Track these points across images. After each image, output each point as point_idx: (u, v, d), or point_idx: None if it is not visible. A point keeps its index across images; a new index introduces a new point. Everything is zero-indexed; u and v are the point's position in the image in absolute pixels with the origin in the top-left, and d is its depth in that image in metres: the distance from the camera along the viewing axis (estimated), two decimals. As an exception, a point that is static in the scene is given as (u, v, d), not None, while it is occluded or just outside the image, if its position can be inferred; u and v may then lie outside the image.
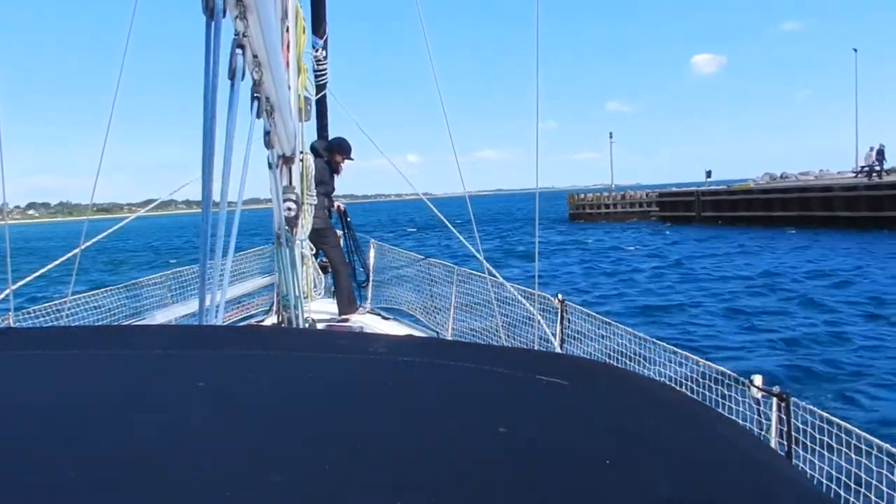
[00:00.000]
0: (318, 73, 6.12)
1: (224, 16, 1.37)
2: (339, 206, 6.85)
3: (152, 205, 6.32)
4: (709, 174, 47.31)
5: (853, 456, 2.67)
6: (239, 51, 1.53)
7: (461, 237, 5.46)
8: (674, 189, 51.68)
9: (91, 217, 5.15)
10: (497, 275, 5.32)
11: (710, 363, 3.55)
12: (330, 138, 6.76)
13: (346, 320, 6.22)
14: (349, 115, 6.62)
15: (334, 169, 6.52)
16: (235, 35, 1.54)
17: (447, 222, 5.58)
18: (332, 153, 6.46)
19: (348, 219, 6.95)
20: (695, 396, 2.99)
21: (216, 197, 1.52)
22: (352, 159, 6.62)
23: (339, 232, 6.88)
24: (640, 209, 49.72)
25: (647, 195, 51.48)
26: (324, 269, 6.63)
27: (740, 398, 3.19)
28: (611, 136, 59.04)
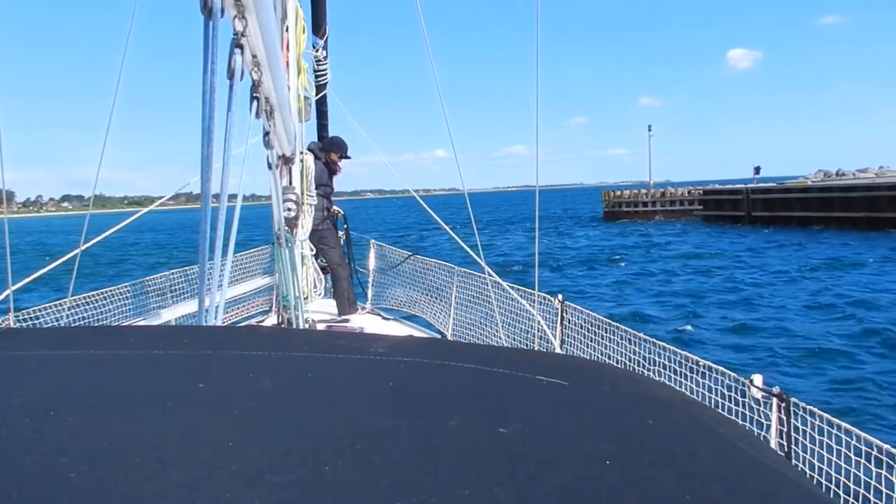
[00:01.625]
0: (319, 73, 6.11)
1: (222, 15, 1.37)
2: (337, 211, 6.81)
3: (155, 204, 6.33)
4: (757, 170, 43.00)
5: (853, 456, 2.67)
6: (238, 51, 1.53)
7: (457, 238, 5.46)
8: (717, 186, 47.46)
9: (93, 212, 5.15)
10: (496, 275, 5.32)
11: (710, 363, 3.54)
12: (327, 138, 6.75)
13: (347, 321, 6.21)
14: (348, 115, 6.62)
15: (332, 170, 6.51)
16: (234, 35, 1.54)
17: (441, 222, 5.58)
18: (328, 152, 6.45)
19: (346, 224, 6.94)
20: (694, 397, 2.99)
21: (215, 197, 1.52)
22: (348, 157, 6.60)
23: (340, 233, 6.87)
24: (680, 207, 45.98)
25: (688, 192, 47.64)
26: (324, 270, 6.63)
27: (740, 398, 3.18)
28: (649, 130, 53.32)
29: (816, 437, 2.81)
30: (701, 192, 45.76)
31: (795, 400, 2.90)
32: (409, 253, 7.52)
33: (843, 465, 2.69)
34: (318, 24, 6.04)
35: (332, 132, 6.87)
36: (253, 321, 6.56)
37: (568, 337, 4.88)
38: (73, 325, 5.05)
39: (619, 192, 52.01)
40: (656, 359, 3.95)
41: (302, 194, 4.48)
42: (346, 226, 6.91)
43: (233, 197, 1.69)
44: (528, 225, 53.31)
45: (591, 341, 4.61)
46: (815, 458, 2.79)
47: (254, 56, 1.78)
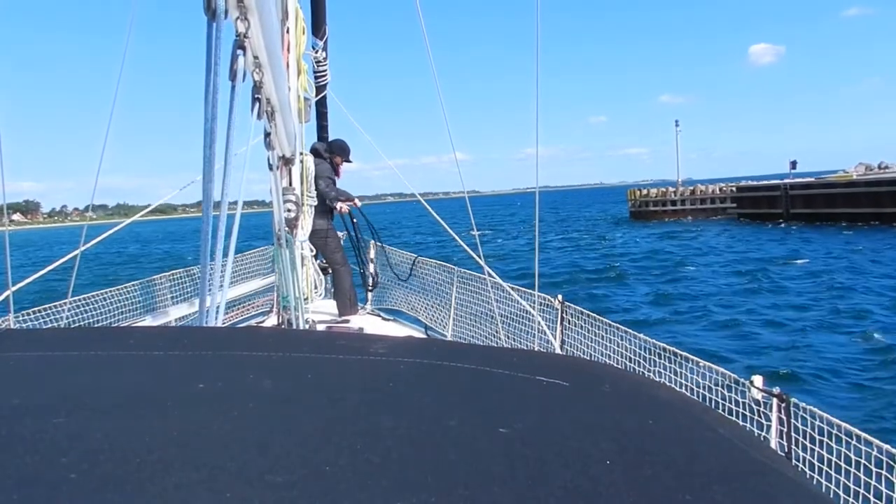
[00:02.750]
0: (318, 74, 6.12)
1: (226, 17, 1.38)
2: (341, 208, 6.78)
3: (149, 208, 6.34)
4: (794, 165, 39.84)
5: (853, 456, 2.67)
6: (240, 52, 1.54)
7: (458, 239, 5.47)
8: (751, 182, 43.75)
9: (91, 223, 5.16)
10: (496, 276, 5.33)
11: (710, 364, 3.55)
12: (329, 140, 6.76)
13: (347, 321, 6.22)
14: (349, 116, 6.63)
15: (335, 171, 6.52)
16: (237, 36, 1.54)
17: (445, 225, 5.58)
18: (331, 155, 6.46)
19: (354, 220, 6.92)
20: (695, 397, 2.99)
21: (217, 198, 1.52)
22: (350, 161, 6.61)
23: (341, 233, 6.87)
24: (712, 206, 43.42)
25: (720, 189, 44.53)
26: (324, 271, 6.63)
27: (740, 399, 3.19)
28: (677, 125, 49.92)
29: (816, 437, 2.81)
30: (734, 188, 42.73)
31: (795, 400, 2.90)
32: (410, 253, 7.53)
33: (842, 465, 2.70)
34: (317, 25, 6.06)
35: (333, 134, 6.88)
36: (253, 322, 6.56)
37: (568, 337, 4.88)
38: (73, 325, 5.05)
39: (645, 191, 48.75)
40: (656, 359, 3.95)
41: (302, 195, 4.49)
42: (353, 221, 6.88)
43: (234, 201, 1.70)
44: (569, 226, 48.88)
45: (591, 341, 4.61)
46: (815, 458, 2.79)
47: (255, 57, 1.79)
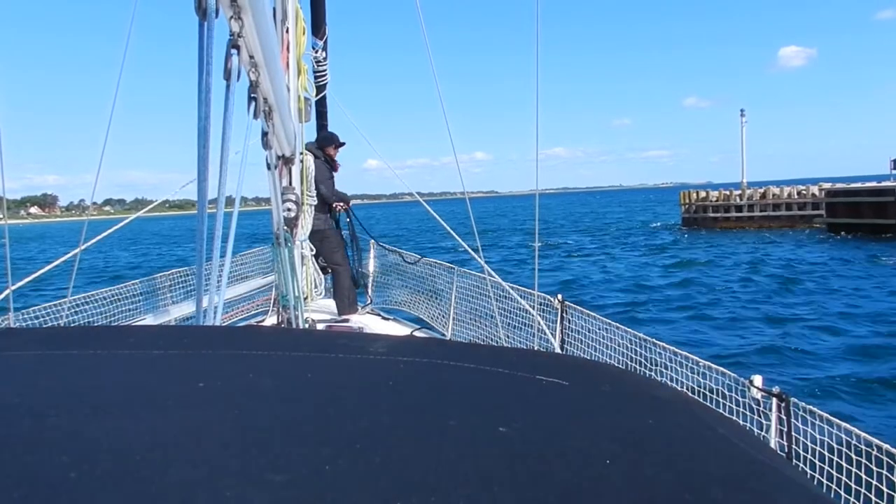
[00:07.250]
0: (318, 73, 6.13)
1: (217, 16, 1.37)
2: (340, 207, 6.83)
3: (151, 206, 6.34)
4: None
5: (853, 456, 2.67)
6: (234, 51, 1.53)
7: (459, 239, 5.47)
8: (845, 185, 34.22)
9: (92, 217, 5.16)
10: (496, 275, 5.33)
11: (710, 364, 3.55)
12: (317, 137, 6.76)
13: (346, 321, 6.23)
14: (348, 116, 6.65)
15: (332, 166, 6.53)
16: (231, 36, 1.54)
17: (447, 226, 5.59)
18: (324, 149, 6.47)
19: (349, 219, 6.94)
20: (695, 396, 2.99)
21: (213, 198, 1.52)
22: (343, 143, 6.63)
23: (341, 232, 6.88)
24: (788, 213, 35.06)
25: (799, 193, 35.74)
26: (324, 270, 6.64)
27: (740, 398, 3.19)
28: (742, 114, 39.99)
29: (817, 436, 2.81)
30: (816, 192, 34.48)
31: (795, 400, 2.90)
32: (409, 253, 7.54)
33: (843, 464, 2.69)
34: (317, 25, 6.07)
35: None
36: (252, 321, 6.57)
37: (568, 337, 4.88)
38: (72, 324, 5.06)
39: (703, 193, 39.92)
40: (657, 359, 3.95)
41: (302, 195, 4.49)
42: (349, 220, 6.91)
43: (232, 198, 1.69)
44: (630, 235, 39.73)
45: (592, 341, 4.62)
46: (816, 457, 2.79)
47: (251, 57, 1.79)
